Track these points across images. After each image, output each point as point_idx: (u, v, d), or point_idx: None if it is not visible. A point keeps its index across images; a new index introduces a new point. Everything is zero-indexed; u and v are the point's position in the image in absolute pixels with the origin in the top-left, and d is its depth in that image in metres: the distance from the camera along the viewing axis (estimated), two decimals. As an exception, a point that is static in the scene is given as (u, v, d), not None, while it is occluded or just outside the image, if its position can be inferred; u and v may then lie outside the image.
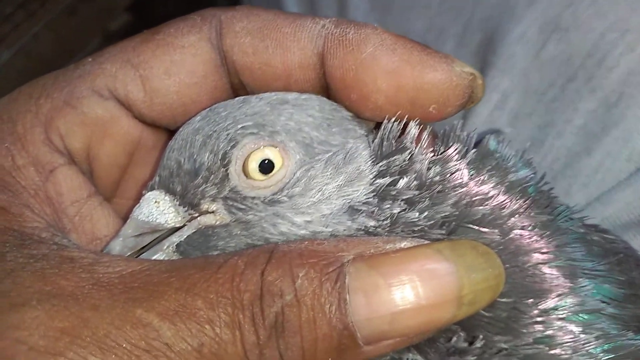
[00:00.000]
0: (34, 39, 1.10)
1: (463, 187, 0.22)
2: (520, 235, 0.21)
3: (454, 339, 0.20)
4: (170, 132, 0.25)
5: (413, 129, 0.22)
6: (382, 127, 0.22)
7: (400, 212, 0.21)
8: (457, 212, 0.22)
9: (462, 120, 0.25)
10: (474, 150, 0.22)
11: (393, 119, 0.22)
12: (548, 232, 0.21)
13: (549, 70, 0.36)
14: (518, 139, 0.36)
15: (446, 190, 0.22)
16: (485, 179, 0.22)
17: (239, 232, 0.22)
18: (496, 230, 0.22)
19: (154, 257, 0.22)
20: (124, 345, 0.17)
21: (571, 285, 0.21)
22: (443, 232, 0.22)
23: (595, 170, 0.33)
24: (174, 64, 0.23)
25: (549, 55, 0.36)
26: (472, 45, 0.39)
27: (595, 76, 0.34)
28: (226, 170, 0.22)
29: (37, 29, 1.09)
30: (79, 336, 0.17)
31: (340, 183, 0.22)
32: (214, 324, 0.18)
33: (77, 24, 1.15)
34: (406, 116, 0.22)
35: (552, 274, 0.21)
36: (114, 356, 0.17)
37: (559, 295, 0.20)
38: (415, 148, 0.22)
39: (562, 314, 0.20)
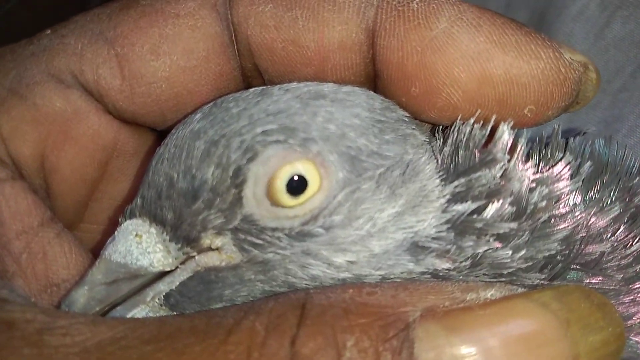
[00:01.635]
0: (7, 15, 1.06)
1: (577, 217, 0.18)
2: None
3: None
4: (158, 134, 0.19)
5: (505, 135, 0.17)
6: (455, 131, 0.17)
7: (486, 252, 0.17)
8: (566, 251, 0.17)
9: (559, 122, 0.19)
10: (589, 163, 0.18)
11: (472, 120, 0.17)
12: None
13: (615, 54, 0.33)
14: (572, 131, 0.33)
15: (553, 221, 0.17)
16: (607, 204, 0.18)
17: (253, 276, 0.17)
18: (619, 277, 0.17)
19: (131, 314, 0.17)
20: None
21: None
22: (544, 276, 0.17)
23: None
24: (164, 39, 0.18)
25: (615, 36, 0.33)
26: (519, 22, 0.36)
27: None
28: (239, 192, 0.17)
29: (12, 4, 1.05)
30: None
31: (399, 209, 0.17)
32: None
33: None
34: (493, 118, 0.17)
35: None
36: None
37: None
38: (510, 161, 0.17)
39: None
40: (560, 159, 0.18)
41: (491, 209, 0.17)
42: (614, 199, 0.18)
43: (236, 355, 0.14)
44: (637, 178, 0.19)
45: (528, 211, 0.17)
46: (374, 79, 0.19)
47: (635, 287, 0.18)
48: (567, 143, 0.18)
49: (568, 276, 0.18)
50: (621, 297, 0.18)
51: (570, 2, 0.35)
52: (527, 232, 0.17)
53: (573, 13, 0.34)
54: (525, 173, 0.18)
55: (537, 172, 0.18)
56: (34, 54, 0.18)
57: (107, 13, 0.18)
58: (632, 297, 0.18)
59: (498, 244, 0.17)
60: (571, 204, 0.18)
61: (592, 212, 0.18)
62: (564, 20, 0.34)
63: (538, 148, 0.18)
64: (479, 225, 0.17)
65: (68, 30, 0.18)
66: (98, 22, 0.18)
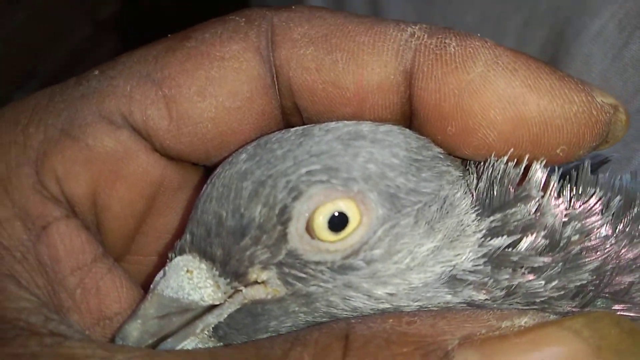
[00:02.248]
0: (18, 28, 1.08)
1: (608, 249, 0.19)
2: None
3: None
4: (201, 170, 0.20)
5: (539, 172, 0.18)
6: (490, 167, 0.18)
7: (522, 282, 0.18)
8: (597, 281, 0.18)
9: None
10: (619, 198, 0.19)
11: (506, 158, 0.18)
12: None
13: (633, 75, 0.33)
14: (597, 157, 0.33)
15: (585, 253, 0.18)
16: (636, 237, 0.18)
17: (297, 308, 0.18)
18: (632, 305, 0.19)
19: (181, 346, 0.18)
20: None
21: None
22: (575, 304, 0.18)
23: None
24: (210, 81, 0.19)
25: (633, 56, 0.33)
26: (536, 41, 0.37)
27: None
28: (284, 228, 0.17)
29: (22, 17, 1.06)
30: None
31: (438, 244, 0.18)
32: None
33: (64, 11, 1.12)
34: (526, 157, 0.18)
35: None
36: None
37: None
38: (543, 197, 0.18)
39: None
40: (592, 195, 0.19)
41: (526, 242, 0.18)
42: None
43: None
44: None
45: (561, 244, 0.18)
46: (409, 117, 0.20)
47: None
48: (597, 178, 0.19)
49: (598, 303, 0.19)
50: None
51: (588, 22, 0.35)
52: (560, 264, 0.18)
53: (591, 33, 0.34)
54: (559, 208, 0.19)
55: (570, 207, 0.18)
56: (84, 95, 0.19)
57: (153, 55, 0.19)
58: None
59: (532, 277, 0.18)
60: (602, 236, 0.19)
61: (622, 245, 0.19)
62: (583, 40, 0.35)
63: (569, 185, 0.19)
64: (514, 258, 0.18)
65: (116, 72, 0.19)
66: (145, 64, 0.19)
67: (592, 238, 0.19)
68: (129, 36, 1.06)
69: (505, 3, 0.38)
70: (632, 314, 0.19)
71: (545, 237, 0.18)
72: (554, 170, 0.19)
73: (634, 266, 0.19)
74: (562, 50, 0.35)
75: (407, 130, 0.20)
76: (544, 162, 0.19)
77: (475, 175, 0.19)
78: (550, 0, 0.37)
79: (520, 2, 0.38)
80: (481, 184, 0.18)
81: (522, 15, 0.37)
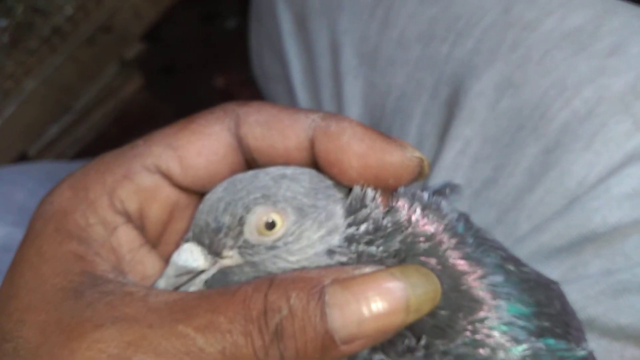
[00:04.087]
0: (57, 70, 1.17)
1: (408, 229, 0.27)
2: (454, 264, 0.26)
3: (406, 340, 0.26)
4: (200, 195, 0.30)
5: (370, 193, 0.27)
6: (352, 193, 0.28)
7: (362, 249, 0.27)
8: (404, 247, 0.27)
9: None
10: (418, 202, 0.27)
11: (359, 187, 0.28)
12: (474, 263, 0.27)
13: (503, 121, 0.41)
14: (478, 178, 0.42)
15: (395, 232, 0.27)
16: (426, 222, 0.27)
17: (248, 269, 0.27)
18: (435, 260, 0.27)
19: (189, 290, 0.27)
20: (171, 351, 0.23)
21: (492, 304, 0.26)
22: (395, 260, 0.26)
23: (537, 204, 0.39)
24: (203, 147, 0.29)
25: (503, 108, 0.41)
26: (442, 97, 0.44)
27: (539, 126, 0.39)
28: (241, 228, 0.27)
29: (60, 61, 1.16)
30: (140, 346, 0.23)
31: (322, 234, 0.27)
32: (232, 333, 0.23)
33: (96, 53, 1.20)
34: (370, 184, 0.27)
35: (479, 295, 0.26)
36: (164, 358, 0.23)
37: (483, 311, 0.26)
38: (373, 204, 0.27)
39: (485, 325, 0.26)
40: (399, 201, 0.27)
41: (362, 228, 0.27)
42: (431, 219, 0.27)
43: (237, 302, 0.23)
44: (446, 209, 0.27)
45: (381, 227, 0.27)
46: (315, 163, 0.28)
47: (446, 265, 0.26)
48: (407, 193, 0.27)
49: (409, 261, 0.26)
50: (439, 272, 0.26)
51: (474, 83, 0.42)
52: (381, 238, 0.27)
53: (476, 92, 0.42)
54: (380, 210, 0.27)
55: (387, 208, 0.27)
56: (134, 155, 0.28)
57: (173, 132, 0.29)
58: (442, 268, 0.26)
59: (368, 246, 0.26)
60: (405, 223, 0.27)
61: (418, 227, 0.27)
62: (470, 97, 0.42)
63: (394, 197, 0.27)
64: (357, 237, 0.27)
65: (152, 142, 0.28)
66: (168, 137, 0.28)
67: (398, 224, 0.27)
68: (152, 74, 1.19)
69: (423, 70, 0.46)
70: (430, 265, 0.26)
71: (373, 223, 0.27)
72: (396, 191, 0.27)
73: (425, 239, 0.26)
74: (456, 104, 0.42)
75: (313, 170, 0.28)
76: (373, 187, 0.27)
77: (347, 196, 0.29)
78: (451, 68, 0.43)
79: (433, 70, 0.44)
80: (347, 201, 0.28)
81: (434, 78, 0.44)
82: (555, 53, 0.40)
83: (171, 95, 1.23)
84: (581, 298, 0.31)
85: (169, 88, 1.27)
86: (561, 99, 0.40)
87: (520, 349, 0.26)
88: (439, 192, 0.30)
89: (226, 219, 0.27)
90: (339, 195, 0.28)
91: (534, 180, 0.39)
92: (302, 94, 0.54)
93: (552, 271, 0.32)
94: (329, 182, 0.29)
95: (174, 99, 1.22)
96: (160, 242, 0.30)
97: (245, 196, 0.28)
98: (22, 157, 1.16)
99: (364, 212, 0.27)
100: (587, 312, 0.36)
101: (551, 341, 0.27)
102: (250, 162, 0.30)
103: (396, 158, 0.27)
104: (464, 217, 0.29)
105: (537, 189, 0.39)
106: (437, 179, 0.40)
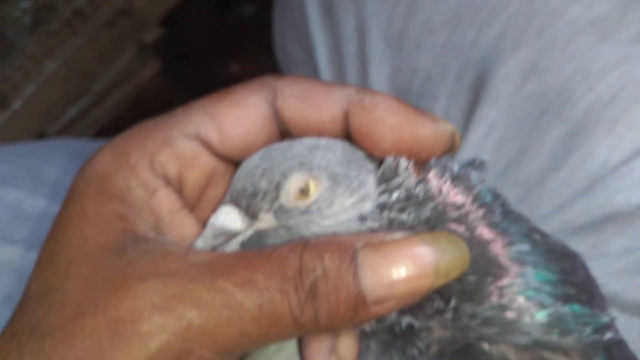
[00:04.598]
0: (77, 52, 1.18)
1: (439, 198, 0.28)
2: (482, 232, 0.27)
3: (435, 303, 0.27)
4: (236, 165, 0.31)
5: (403, 162, 0.28)
6: (385, 162, 0.29)
7: (394, 216, 0.28)
8: (435, 215, 0.28)
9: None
10: (449, 172, 0.28)
11: (392, 157, 0.29)
12: (501, 232, 0.28)
13: (527, 104, 0.42)
14: (502, 159, 0.43)
15: (427, 200, 0.28)
16: (456, 192, 0.28)
17: (283, 232, 0.29)
18: (464, 228, 0.27)
19: (226, 251, 0.28)
20: (211, 304, 0.24)
21: (519, 270, 0.27)
22: (426, 228, 0.27)
23: (560, 185, 0.40)
24: (240, 117, 0.29)
25: (528, 92, 0.42)
26: (468, 81, 0.45)
27: (563, 110, 0.40)
28: (277, 193, 0.28)
29: (80, 43, 1.17)
30: (182, 298, 0.24)
31: (355, 200, 0.28)
32: (269, 290, 0.24)
33: (114, 37, 1.21)
34: (402, 156, 0.28)
35: (506, 262, 0.27)
36: (205, 311, 0.24)
37: (510, 277, 0.27)
38: (405, 174, 0.28)
39: (512, 290, 0.26)
40: (431, 171, 0.28)
41: (394, 195, 0.28)
42: (460, 190, 0.28)
43: (274, 261, 0.24)
44: (475, 180, 0.28)
45: (413, 196, 0.28)
46: (348, 135, 0.29)
47: (474, 233, 0.27)
48: (440, 164, 0.28)
49: (439, 227, 0.27)
50: (468, 240, 0.27)
51: (500, 67, 0.42)
52: (413, 206, 0.27)
53: (502, 76, 0.42)
54: (412, 179, 0.28)
55: (420, 178, 0.29)
56: (174, 123, 0.29)
57: (211, 102, 0.29)
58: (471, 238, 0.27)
59: (399, 214, 0.27)
60: (437, 193, 0.28)
61: (453, 194, 0.28)
62: (496, 80, 0.43)
63: (426, 168, 0.28)
64: (389, 205, 0.27)
65: (192, 111, 0.29)
66: (206, 107, 0.29)
67: (430, 193, 0.28)
68: (169, 57, 1.20)
69: (449, 54, 0.46)
70: (459, 232, 0.27)
71: (405, 191, 0.28)
72: (427, 163, 0.28)
73: (455, 208, 0.27)
74: (482, 88, 0.43)
75: (346, 142, 0.29)
76: (406, 157, 0.28)
77: (380, 166, 0.30)
78: (477, 52, 0.44)
79: (459, 54, 0.45)
80: (380, 171, 0.29)
81: (460, 62, 0.45)
82: (580, 40, 0.41)
83: (186, 81, 1.24)
84: (602, 275, 0.32)
85: (184, 74, 1.27)
86: (585, 84, 0.41)
87: (545, 313, 0.27)
88: (468, 165, 0.31)
89: (263, 184, 0.28)
90: (371, 166, 0.29)
91: (557, 162, 0.40)
92: (327, 78, 0.55)
93: (574, 248, 0.33)
94: (361, 154, 0.30)
95: (189, 85, 1.22)
96: (197, 208, 0.31)
97: (282, 163, 0.29)
98: (41, 137, 1.17)
99: (396, 180, 0.28)
100: (608, 289, 0.37)
101: (576, 307, 0.27)
102: (284, 133, 0.30)
103: (429, 131, 0.28)
104: (492, 189, 0.30)
105: (560, 171, 0.39)
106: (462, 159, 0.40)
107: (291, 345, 0.32)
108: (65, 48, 1.17)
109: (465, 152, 0.42)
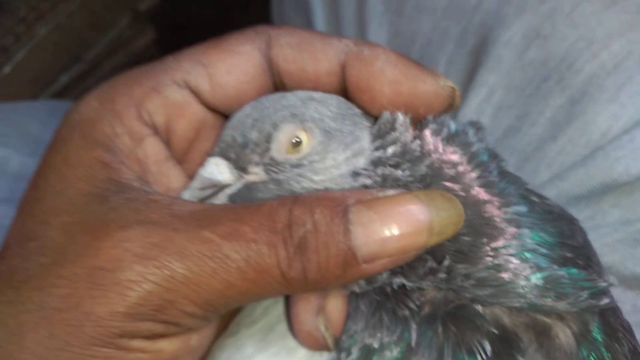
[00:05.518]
0: (69, 17, 1.16)
1: (435, 155, 0.27)
2: (477, 192, 0.27)
3: (428, 263, 0.26)
4: (226, 116, 0.30)
5: (400, 117, 0.27)
6: (381, 117, 0.28)
7: (388, 172, 0.27)
8: (430, 172, 0.27)
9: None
10: (446, 130, 0.28)
11: (388, 112, 0.28)
12: (498, 191, 0.27)
13: (528, 71, 0.41)
14: (501, 126, 0.42)
15: (423, 157, 0.27)
16: (453, 150, 0.27)
17: (273, 186, 0.27)
18: (459, 186, 0.27)
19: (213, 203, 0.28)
20: (196, 254, 0.23)
21: (515, 231, 0.26)
22: (420, 185, 0.27)
23: (558, 153, 0.39)
24: (233, 65, 0.28)
25: (530, 59, 0.41)
26: (468, 46, 0.44)
27: (564, 77, 0.39)
28: (268, 145, 0.27)
29: (73, 8, 1.14)
30: (165, 247, 0.23)
31: (348, 156, 0.27)
32: (257, 243, 0.23)
33: (108, 2, 1.19)
34: (399, 110, 0.28)
35: (502, 223, 0.26)
36: (188, 261, 0.23)
37: (505, 238, 0.26)
38: (402, 128, 0.27)
39: (508, 251, 0.26)
40: (428, 128, 0.27)
41: (389, 150, 0.27)
42: (457, 148, 0.27)
43: (263, 214, 0.24)
44: (472, 139, 0.27)
45: (409, 151, 0.27)
46: (344, 91, 0.28)
47: (470, 192, 0.26)
48: (437, 121, 0.27)
49: (434, 186, 0.26)
50: (463, 199, 0.26)
51: (502, 32, 0.41)
52: (408, 162, 0.26)
53: (504, 41, 0.41)
54: (409, 134, 0.27)
55: (416, 133, 0.28)
56: (164, 69, 0.28)
57: (202, 49, 0.28)
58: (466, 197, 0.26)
59: (394, 170, 0.27)
60: (433, 149, 0.27)
61: (444, 154, 0.27)
62: (498, 45, 0.42)
63: (422, 124, 0.27)
64: (383, 159, 0.27)
65: (182, 57, 0.28)
66: (198, 54, 0.28)
67: (426, 150, 0.27)
68: (164, 26, 1.17)
69: (450, 18, 0.45)
70: (454, 191, 0.26)
71: (400, 147, 0.27)
72: (424, 119, 0.28)
73: (451, 166, 0.27)
74: (483, 52, 0.42)
75: (341, 97, 0.29)
76: (404, 112, 0.27)
77: (375, 122, 0.29)
78: (479, 17, 0.43)
79: (461, 18, 0.44)
80: (375, 126, 0.28)
81: (461, 26, 0.44)
82: (585, 6, 0.40)
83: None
84: (599, 246, 0.31)
85: (178, 45, 1.25)
86: (589, 51, 0.40)
87: (541, 276, 0.26)
88: (466, 125, 0.30)
89: (253, 135, 0.27)
90: (366, 123, 0.29)
91: (557, 130, 0.39)
92: None
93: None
94: (356, 110, 0.29)
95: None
96: (185, 160, 0.30)
97: (273, 114, 0.28)
98: (32, 104, 1.15)
99: (392, 135, 0.27)
100: (603, 260, 0.35)
101: (573, 271, 0.27)
102: (278, 85, 0.30)
103: (429, 86, 0.27)
104: (490, 148, 0.29)
105: (559, 139, 0.39)
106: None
107: (277, 309, 0.31)
108: (58, 12, 1.14)
109: (464, 119, 0.41)
